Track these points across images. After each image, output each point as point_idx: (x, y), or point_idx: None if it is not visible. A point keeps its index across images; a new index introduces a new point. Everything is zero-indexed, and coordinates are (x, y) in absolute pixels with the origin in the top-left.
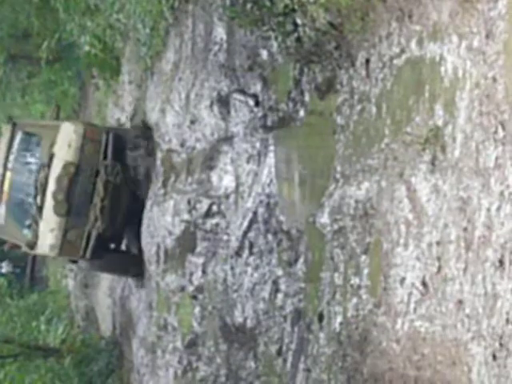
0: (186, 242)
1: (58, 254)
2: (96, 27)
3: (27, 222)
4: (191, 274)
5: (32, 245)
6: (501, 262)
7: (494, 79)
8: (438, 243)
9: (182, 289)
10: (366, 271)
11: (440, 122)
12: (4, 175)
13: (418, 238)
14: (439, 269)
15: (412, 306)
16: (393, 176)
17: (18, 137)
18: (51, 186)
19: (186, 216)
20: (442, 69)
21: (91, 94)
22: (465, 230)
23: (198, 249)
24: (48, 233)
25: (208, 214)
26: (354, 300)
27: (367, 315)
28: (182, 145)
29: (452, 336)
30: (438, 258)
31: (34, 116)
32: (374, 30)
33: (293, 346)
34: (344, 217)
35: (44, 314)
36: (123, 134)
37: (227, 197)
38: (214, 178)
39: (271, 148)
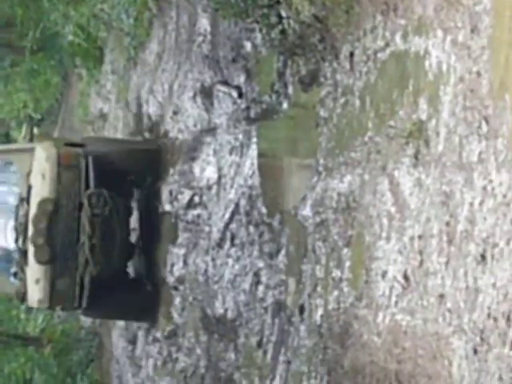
0: (168, 233)
1: (49, 308)
2: (80, 17)
3: (13, 270)
4: (172, 265)
5: (22, 296)
6: (483, 256)
7: (479, 74)
8: (420, 237)
9: (163, 280)
10: (347, 264)
11: (424, 116)
12: None
13: (400, 231)
14: (421, 263)
15: (393, 299)
16: (376, 169)
17: None
18: (30, 229)
19: (167, 207)
20: (427, 63)
21: (74, 84)
22: (447, 224)
23: (180, 240)
24: (34, 284)
25: (190, 205)
26: (336, 293)
27: (348, 308)
28: (165, 135)
29: (433, 330)
30: (420, 252)
31: (16, 105)
32: (358, 24)
33: (273, 338)
34: (326, 209)
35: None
36: (106, 151)
37: (209, 188)
38: (197, 169)
39: (254, 140)
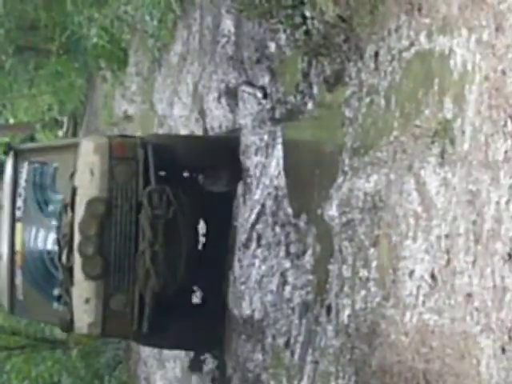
0: None
1: (101, 334)
2: (103, 19)
3: (56, 292)
4: None
5: (68, 324)
6: (510, 255)
7: (504, 72)
8: (446, 236)
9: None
10: (374, 264)
11: (449, 115)
12: (13, 229)
13: (427, 230)
14: (448, 262)
15: (421, 298)
16: (402, 169)
17: (24, 170)
18: (76, 237)
19: None
20: (452, 62)
21: (98, 86)
22: (474, 223)
23: None
24: (83, 305)
25: None
26: (363, 292)
27: (376, 308)
28: None
29: (461, 329)
30: (447, 251)
31: (41, 108)
32: (383, 23)
33: (301, 339)
34: (352, 209)
35: None
36: (170, 142)
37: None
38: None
39: (279, 140)
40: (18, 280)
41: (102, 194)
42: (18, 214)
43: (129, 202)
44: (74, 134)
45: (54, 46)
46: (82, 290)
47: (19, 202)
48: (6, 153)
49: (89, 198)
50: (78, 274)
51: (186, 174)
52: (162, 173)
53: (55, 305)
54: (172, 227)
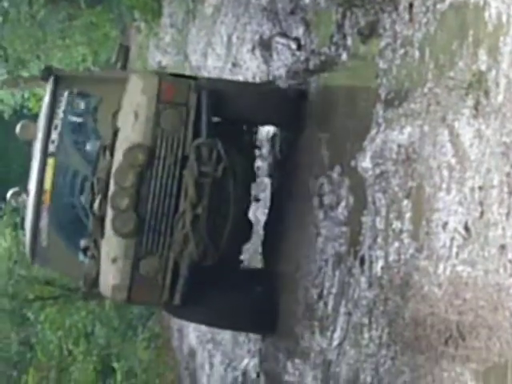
0: None
1: (127, 299)
2: None
3: (83, 242)
4: None
5: (92, 281)
6: None
7: None
8: (480, 188)
9: None
10: (408, 215)
11: (483, 67)
12: (44, 164)
13: (461, 182)
14: (482, 214)
15: (454, 250)
16: (435, 120)
17: (64, 100)
18: (111, 187)
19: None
20: (486, 14)
21: (133, 37)
22: (508, 175)
23: None
24: (109, 264)
25: None
26: (396, 244)
27: (409, 259)
28: None
29: (494, 281)
30: (481, 203)
31: (75, 59)
32: None
33: (334, 290)
34: (386, 161)
35: None
36: (231, 90)
37: (268, 140)
38: None
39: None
40: (43, 223)
41: (144, 141)
42: (52, 148)
43: (174, 154)
44: (125, 67)
45: None
46: (111, 247)
47: (54, 135)
48: (44, 78)
49: (129, 145)
50: (108, 228)
51: (242, 130)
52: (216, 123)
53: (81, 257)
54: (220, 188)
